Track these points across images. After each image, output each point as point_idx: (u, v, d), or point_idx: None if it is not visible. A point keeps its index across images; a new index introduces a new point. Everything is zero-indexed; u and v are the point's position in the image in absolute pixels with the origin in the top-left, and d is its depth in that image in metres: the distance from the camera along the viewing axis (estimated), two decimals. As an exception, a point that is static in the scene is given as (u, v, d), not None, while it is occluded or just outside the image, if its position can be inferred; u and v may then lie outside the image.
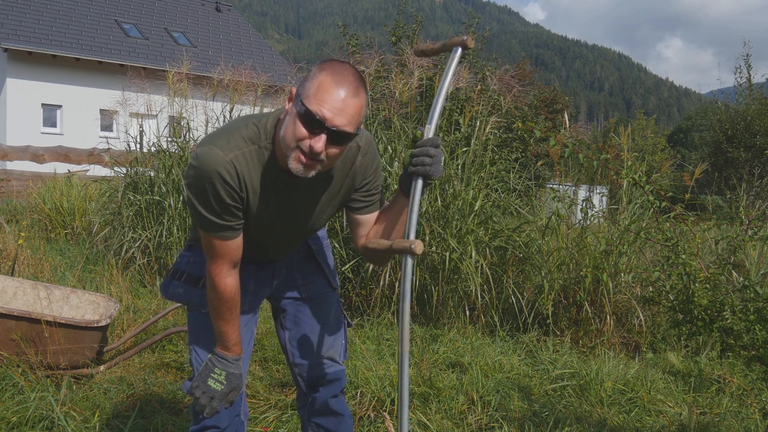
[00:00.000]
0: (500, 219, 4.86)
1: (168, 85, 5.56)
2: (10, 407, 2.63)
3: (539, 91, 22.71)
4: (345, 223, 4.49)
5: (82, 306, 3.47)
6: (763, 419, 2.96)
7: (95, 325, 3.07)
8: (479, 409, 3.00)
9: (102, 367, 3.23)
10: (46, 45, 18.39)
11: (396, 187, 4.44)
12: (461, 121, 4.83)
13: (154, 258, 5.13)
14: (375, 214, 1.87)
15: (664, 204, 2.80)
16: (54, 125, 18.68)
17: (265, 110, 5.93)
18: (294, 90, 1.61)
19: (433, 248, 4.33)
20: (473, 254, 4.29)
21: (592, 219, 4.68)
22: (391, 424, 2.02)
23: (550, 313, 4.23)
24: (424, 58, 4.75)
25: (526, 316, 4.29)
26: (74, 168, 9.84)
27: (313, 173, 1.61)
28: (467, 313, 4.35)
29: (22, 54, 17.99)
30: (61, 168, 9.56)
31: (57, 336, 2.98)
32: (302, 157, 1.57)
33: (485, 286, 4.38)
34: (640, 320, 4.23)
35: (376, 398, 2.93)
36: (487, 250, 4.50)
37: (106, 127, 16.77)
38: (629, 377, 3.44)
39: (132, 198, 5.46)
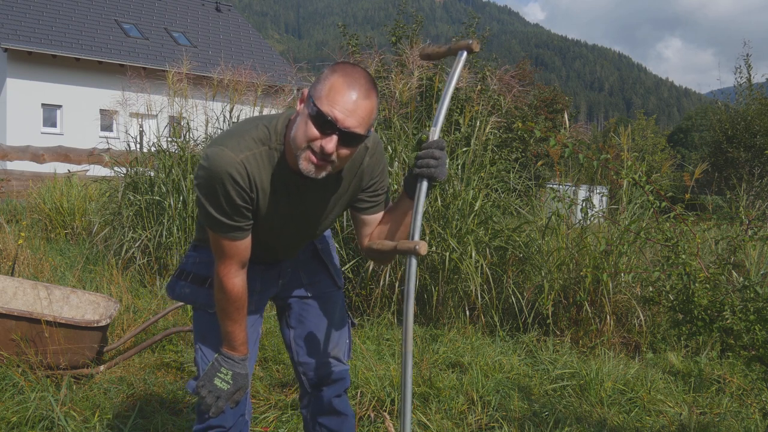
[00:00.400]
0: (500, 219, 4.86)
1: (168, 85, 5.56)
2: (10, 407, 2.63)
3: (539, 91, 22.71)
4: (345, 223, 4.49)
5: (82, 306, 3.47)
6: (763, 419, 2.96)
7: (95, 325, 3.07)
8: (479, 409, 3.00)
9: (102, 367, 3.23)
10: (46, 45, 18.39)
11: (396, 186, 4.45)
12: (461, 121, 4.83)
13: (154, 258, 5.13)
14: (380, 215, 1.89)
15: (664, 204, 2.80)
16: (54, 125, 18.68)
17: (266, 110, 5.93)
18: (305, 91, 1.62)
19: (433, 248, 4.33)
20: (473, 254, 4.29)
21: (592, 219, 4.68)
22: (391, 424, 2.02)
23: (550, 313, 4.23)
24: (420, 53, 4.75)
25: (526, 316, 4.29)
26: (74, 168, 9.84)
27: (323, 174, 1.62)
28: (467, 313, 4.35)
29: (22, 54, 17.99)
30: (61, 168, 9.56)
31: (57, 336, 2.98)
32: (313, 158, 1.59)
33: (485, 286, 4.38)
34: (640, 320, 4.23)
35: (376, 398, 2.93)
36: (487, 250, 4.50)
37: (106, 127, 16.77)
38: (629, 377, 3.44)
39: (132, 198, 5.46)
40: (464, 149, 4.67)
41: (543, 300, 4.23)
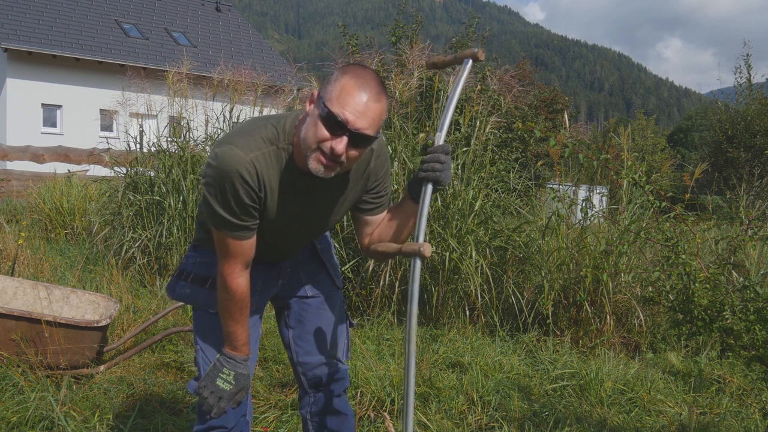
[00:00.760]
0: (500, 219, 4.86)
1: (168, 85, 5.56)
2: (10, 407, 2.63)
3: (539, 91, 22.71)
4: (345, 223, 4.49)
5: (82, 306, 3.47)
6: (763, 419, 2.96)
7: (95, 325, 3.07)
8: (479, 409, 3.00)
9: (102, 367, 3.23)
10: (46, 45, 18.40)
11: (396, 187, 4.45)
12: (461, 121, 4.83)
13: (154, 258, 5.13)
14: (382, 215, 1.91)
15: (664, 204, 2.80)
16: (54, 125, 18.69)
17: (266, 110, 5.93)
18: (315, 92, 1.63)
19: (434, 248, 4.33)
20: (473, 254, 4.29)
21: (592, 219, 4.68)
22: (391, 424, 2.02)
23: (550, 313, 4.23)
24: (424, 59, 4.75)
25: (526, 316, 4.29)
26: (74, 168, 9.84)
27: (332, 174, 1.63)
28: (467, 313, 4.35)
29: (22, 54, 18.00)
30: (61, 168, 9.56)
31: (57, 336, 2.98)
32: (323, 159, 1.60)
33: (485, 286, 4.38)
34: (640, 320, 4.23)
35: (376, 398, 2.93)
36: (487, 250, 4.50)
37: (106, 127, 16.78)
38: (629, 377, 3.44)
39: (132, 198, 5.46)
40: (464, 149, 4.67)
41: (543, 300, 4.23)
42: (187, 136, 5.60)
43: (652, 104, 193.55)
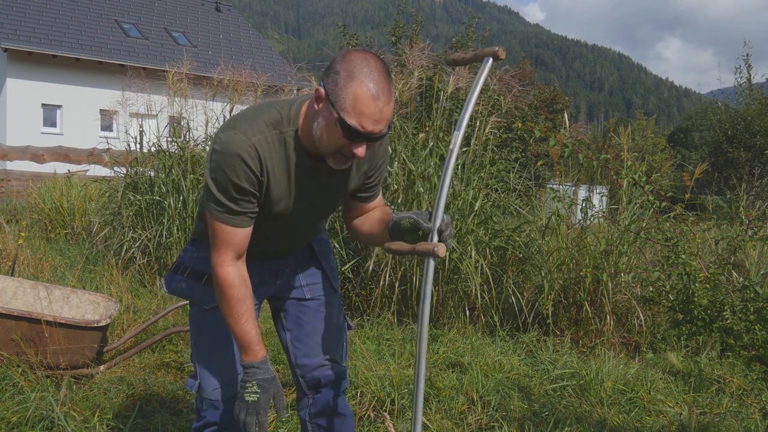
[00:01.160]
0: (500, 219, 4.86)
1: (168, 85, 5.56)
2: (10, 407, 2.63)
3: (539, 91, 22.72)
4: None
5: (82, 306, 3.47)
6: (763, 419, 2.96)
7: (95, 325, 3.07)
8: (479, 409, 3.00)
9: (102, 367, 3.23)
10: (46, 45, 18.39)
11: (396, 187, 4.46)
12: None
13: (154, 258, 5.13)
14: (372, 204, 1.94)
15: (664, 204, 2.80)
16: (54, 125, 18.69)
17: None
18: (322, 91, 1.60)
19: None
20: (473, 254, 4.29)
21: (592, 219, 4.68)
22: (390, 424, 2.02)
23: (550, 313, 4.23)
24: (424, 59, 4.75)
25: (526, 316, 4.29)
26: (74, 168, 9.84)
27: (347, 166, 1.69)
28: (467, 313, 4.35)
29: (22, 54, 18.00)
30: (61, 168, 9.56)
31: (57, 336, 2.98)
32: (342, 159, 1.65)
33: (485, 286, 4.38)
34: (640, 320, 4.23)
35: (376, 398, 2.93)
36: (487, 250, 4.50)
37: (106, 127, 16.78)
38: (629, 377, 3.44)
39: (132, 198, 5.46)
40: (464, 149, 4.67)
41: (543, 300, 4.23)
42: (187, 136, 5.60)
43: (652, 104, 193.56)
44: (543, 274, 4.42)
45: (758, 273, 4.28)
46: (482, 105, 4.95)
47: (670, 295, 2.71)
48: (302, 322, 2.01)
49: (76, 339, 3.03)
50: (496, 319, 4.29)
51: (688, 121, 47.86)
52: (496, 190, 4.89)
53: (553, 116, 21.51)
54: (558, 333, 4.24)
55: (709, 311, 2.37)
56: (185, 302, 3.55)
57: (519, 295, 4.32)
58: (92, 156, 10.17)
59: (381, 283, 4.31)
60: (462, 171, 4.64)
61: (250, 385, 1.71)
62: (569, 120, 6.73)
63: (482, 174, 4.68)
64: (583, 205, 4.47)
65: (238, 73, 5.57)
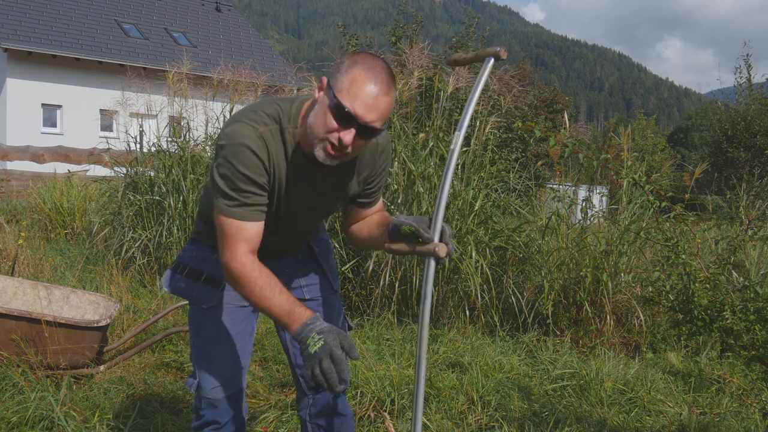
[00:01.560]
0: (500, 219, 4.86)
1: (168, 85, 5.56)
2: (10, 407, 2.63)
3: (539, 91, 22.72)
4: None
5: (82, 306, 3.46)
6: (763, 419, 2.96)
7: (95, 325, 3.07)
8: (479, 409, 3.00)
9: (102, 367, 3.23)
10: (46, 45, 18.39)
11: (396, 187, 4.46)
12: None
13: (154, 258, 5.13)
14: (370, 210, 1.93)
15: (664, 204, 2.80)
16: (54, 125, 18.69)
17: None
18: (324, 79, 1.62)
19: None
20: (473, 254, 4.28)
21: (592, 219, 4.68)
22: (390, 424, 2.02)
23: (550, 313, 4.22)
24: (424, 59, 4.75)
25: (526, 316, 4.29)
26: (74, 168, 9.84)
27: (336, 162, 1.64)
28: (467, 313, 4.35)
29: (22, 54, 17.99)
30: (61, 168, 9.56)
31: (57, 336, 2.98)
32: (329, 148, 1.60)
33: (485, 286, 4.38)
34: (640, 320, 4.23)
35: (376, 398, 2.93)
36: (487, 250, 4.50)
37: (106, 127, 16.77)
38: (629, 377, 3.44)
39: (132, 198, 5.46)
40: (464, 149, 4.67)
41: (543, 300, 4.23)
42: (187, 136, 5.60)
43: (652, 104, 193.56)
44: (543, 274, 4.42)
45: (758, 273, 4.28)
46: (482, 105, 4.95)
47: (670, 295, 2.71)
48: None
49: (76, 339, 3.03)
50: (496, 319, 4.29)
51: (688, 121, 47.86)
52: (496, 190, 4.89)
53: (553, 116, 21.51)
54: (558, 333, 4.24)
55: (709, 311, 2.37)
56: (185, 302, 3.55)
57: (519, 295, 4.32)
58: (92, 156, 10.17)
59: (381, 283, 4.31)
60: (462, 171, 4.64)
61: (312, 337, 1.53)
62: (569, 120, 6.73)
63: (482, 174, 4.68)
64: (583, 205, 4.47)
65: (238, 73, 5.57)
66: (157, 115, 5.84)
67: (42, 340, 2.97)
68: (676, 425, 2.97)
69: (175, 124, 5.79)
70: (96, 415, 2.72)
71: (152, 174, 5.53)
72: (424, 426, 2.79)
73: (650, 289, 3.98)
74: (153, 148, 5.60)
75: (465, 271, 4.27)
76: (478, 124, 4.74)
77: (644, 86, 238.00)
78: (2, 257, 4.93)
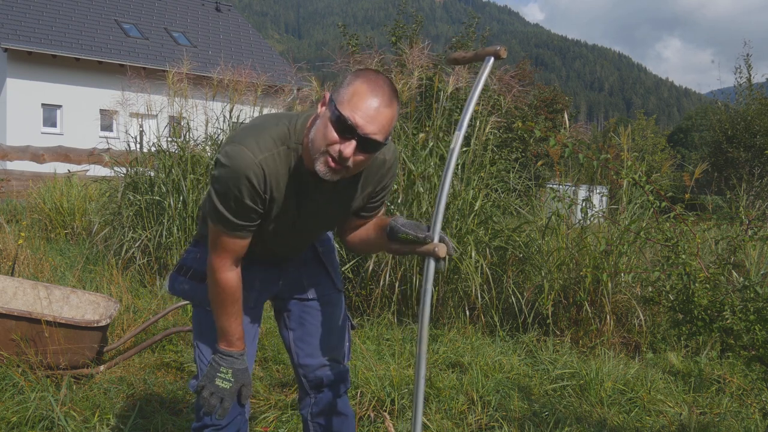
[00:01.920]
0: (500, 219, 4.86)
1: (168, 85, 5.56)
2: (10, 407, 2.63)
3: (539, 91, 22.71)
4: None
5: (82, 306, 3.47)
6: (763, 419, 2.96)
7: (95, 325, 3.07)
8: (479, 409, 3.00)
9: (102, 367, 3.23)
10: (46, 45, 18.39)
11: (395, 187, 4.45)
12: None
13: (154, 258, 5.13)
14: (370, 221, 1.93)
15: (664, 204, 2.80)
16: (54, 125, 18.69)
17: (266, 111, 5.93)
18: (327, 94, 1.63)
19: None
20: (473, 254, 4.29)
21: (592, 219, 4.68)
22: (390, 424, 2.02)
23: (550, 313, 4.23)
24: (424, 59, 4.75)
25: (526, 316, 4.29)
26: (74, 168, 9.84)
27: (337, 177, 1.63)
28: (467, 313, 4.35)
29: (22, 54, 17.99)
30: (61, 168, 9.56)
31: (57, 336, 2.98)
32: (330, 162, 1.59)
33: (485, 286, 4.38)
34: (640, 320, 4.23)
35: (376, 398, 2.93)
36: (487, 250, 4.50)
37: (106, 127, 16.77)
38: (629, 377, 3.44)
39: (132, 198, 5.46)
40: (464, 149, 4.67)
41: (543, 300, 4.23)
42: (187, 136, 5.60)
43: (652, 104, 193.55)
44: (543, 274, 4.42)
45: (758, 273, 4.28)
46: (482, 105, 4.95)
47: (670, 295, 2.71)
48: (305, 321, 2.02)
49: (76, 339, 3.03)
50: (496, 319, 4.29)
51: (688, 121, 47.86)
52: (496, 190, 4.89)
53: (553, 116, 21.51)
54: (558, 333, 4.24)
55: (709, 311, 2.37)
56: (185, 302, 3.55)
57: (519, 295, 4.32)
58: (92, 156, 10.17)
59: (381, 283, 4.31)
60: (462, 171, 4.64)
61: (225, 370, 1.78)
62: (569, 120, 6.73)
63: (482, 174, 4.68)
64: (583, 205, 4.47)
65: (238, 73, 5.57)
66: (157, 115, 5.83)
67: (42, 340, 2.97)
68: (676, 425, 2.97)
69: (175, 124, 5.79)
70: (96, 415, 2.72)
71: (152, 174, 5.53)
72: (424, 426, 2.79)
73: (650, 289, 3.98)
74: (153, 148, 5.60)
75: (465, 271, 4.27)
76: (478, 124, 4.74)
77: (644, 86, 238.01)
78: (2, 257, 4.93)
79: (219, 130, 5.69)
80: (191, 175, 5.21)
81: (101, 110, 15.81)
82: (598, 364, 3.53)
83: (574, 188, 5.27)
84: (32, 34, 18.57)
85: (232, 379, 1.78)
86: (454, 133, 1.69)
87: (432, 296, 4.34)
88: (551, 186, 5.39)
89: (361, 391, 2.96)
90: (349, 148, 1.57)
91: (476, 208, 4.46)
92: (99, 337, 3.12)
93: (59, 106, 18.70)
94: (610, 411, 3.11)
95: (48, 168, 9.93)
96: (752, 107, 16.59)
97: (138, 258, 5.12)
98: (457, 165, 4.62)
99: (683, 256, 2.50)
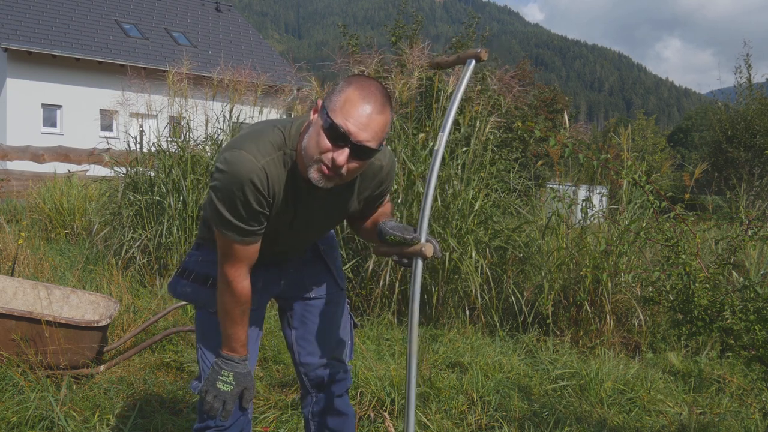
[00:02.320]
0: (500, 219, 4.86)
1: (168, 85, 5.56)
2: (10, 407, 2.63)
3: (539, 91, 22.72)
4: (345, 224, 4.48)
5: (82, 306, 3.46)
6: (763, 419, 2.96)
7: (95, 325, 3.07)
8: (479, 409, 3.00)
9: (102, 367, 3.23)
10: (46, 45, 18.39)
11: (395, 187, 4.45)
12: (461, 121, 4.83)
13: (154, 258, 5.13)
14: (380, 210, 1.95)
15: (664, 204, 2.80)
16: (54, 125, 18.68)
17: (266, 110, 5.93)
18: (320, 102, 1.62)
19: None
20: (473, 254, 4.29)
21: (592, 219, 4.68)
22: (390, 424, 2.02)
23: (550, 313, 4.23)
24: (424, 59, 4.75)
25: (526, 316, 4.29)
26: (74, 168, 9.84)
27: (331, 185, 1.63)
28: (467, 313, 4.35)
29: (22, 54, 17.99)
30: (61, 168, 9.56)
31: (57, 336, 2.98)
32: (324, 169, 1.59)
33: (485, 286, 4.38)
34: (640, 320, 4.23)
35: (376, 398, 2.93)
36: (487, 250, 4.50)
37: (106, 127, 16.78)
38: (629, 377, 3.44)
39: (132, 198, 5.46)
40: (464, 149, 4.67)
41: (543, 300, 4.23)
42: (187, 136, 5.60)
43: (652, 104, 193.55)
44: (543, 274, 4.42)
45: (758, 273, 4.28)
46: (482, 105, 4.95)
47: (670, 295, 2.71)
48: (307, 320, 2.02)
49: (76, 339, 3.03)
50: (496, 319, 4.29)
51: (688, 121, 47.88)
52: (496, 190, 4.89)
53: (553, 116, 21.51)
54: (558, 333, 4.25)
55: (709, 311, 2.37)
56: (185, 302, 3.54)
57: (519, 295, 4.32)
58: (92, 156, 10.17)
59: (381, 283, 4.31)
60: (462, 171, 4.64)
61: (226, 373, 1.78)
62: (569, 120, 6.73)
63: (482, 174, 4.68)
64: (583, 205, 4.47)
65: (238, 73, 5.57)
66: (157, 115, 5.83)
67: (42, 340, 2.97)
68: (676, 425, 2.97)
69: (175, 124, 5.79)
70: (96, 415, 2.72)
71: (152, 174, 5.53)
72: (425, 426, 2.79)
73: (650, 289, 3.98)
74: (153, 148, 5.60)
75: (465, 271, 4.27)
76: (478, 124, 4.74)
77: (644, 86, 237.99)
78: (2, 257, 4.93)
79: (219, 130, 5.69)
80: (191, 175, 5.21)
81: (101, 110, 15.82)
82: (598, 364, 3.53)
83: (574, 188, 5.27)
84: (32, 34, 18.57)
85: (234, 383, 1.78)
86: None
87: (432, 296, 4.35)
88: (551, 186, 5.39)
89: (361, 391, 2.96)
90: (342, 155, 1.56)
91: (476, 208, 4.46)
92: (99, 337, 3.12)
93: (59, 106, 18.70)
94: (610, 411, 3.11)
95: (48, 168, 9.93)
96: (752, 107, 16.59)
97: (138, 258, 5.12)
98: (458, 165, 4.62)
99: (683, 256, 2.50)
